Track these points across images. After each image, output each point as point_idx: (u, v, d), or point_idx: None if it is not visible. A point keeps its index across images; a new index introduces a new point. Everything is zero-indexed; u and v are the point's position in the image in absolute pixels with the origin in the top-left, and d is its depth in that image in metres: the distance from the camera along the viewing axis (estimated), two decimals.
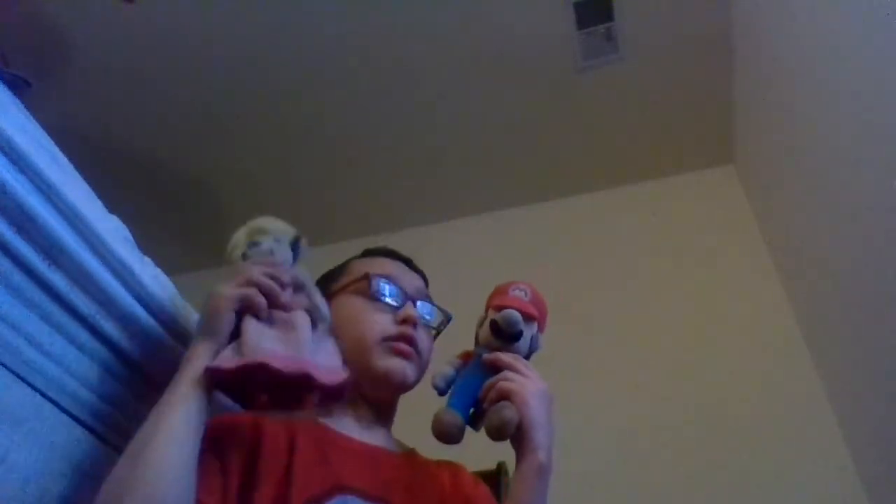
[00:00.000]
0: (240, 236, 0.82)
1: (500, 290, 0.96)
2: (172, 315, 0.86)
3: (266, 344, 0.72)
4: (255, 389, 0.73)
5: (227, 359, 0.70)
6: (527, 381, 0.86)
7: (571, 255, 2.42)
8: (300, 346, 0.73)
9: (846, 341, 1.72)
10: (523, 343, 0.91)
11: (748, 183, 2.37)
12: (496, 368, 0.89)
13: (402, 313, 0.95)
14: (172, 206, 2.59)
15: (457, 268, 2.12)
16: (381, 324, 0.94)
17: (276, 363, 0.69)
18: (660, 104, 2.32)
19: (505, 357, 0.89)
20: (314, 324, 0.79)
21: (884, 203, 1.36)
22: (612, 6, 2.08)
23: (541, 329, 0.95)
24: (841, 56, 1.48)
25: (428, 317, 1.00)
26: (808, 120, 1.74)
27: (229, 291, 0.75)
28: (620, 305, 2.25)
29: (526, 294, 0.95)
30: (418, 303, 0.99)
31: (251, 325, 0.73)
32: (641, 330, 2.17)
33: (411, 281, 1.02)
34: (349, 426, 0.90)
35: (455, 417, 0.86)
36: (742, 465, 1.84)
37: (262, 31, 2.13)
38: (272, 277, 0.77)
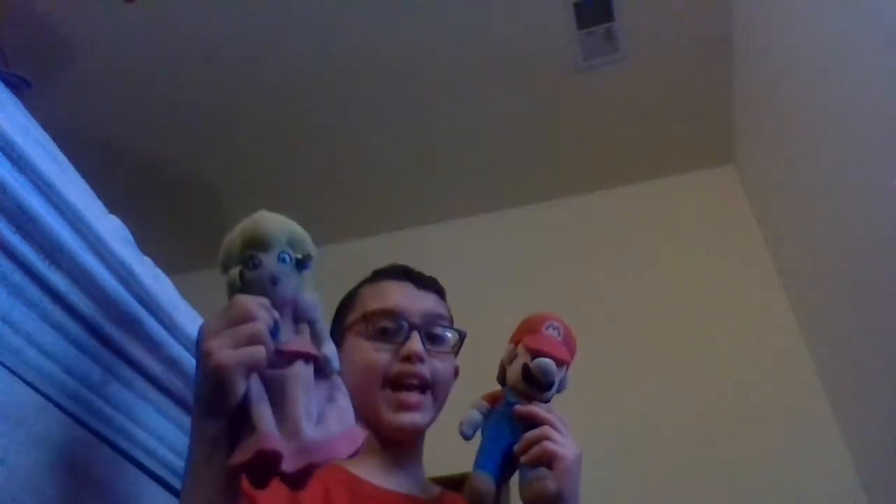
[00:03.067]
0: (234, 245, 0.65)
1: (533, 326, 0.89)
2: (172, 316, 0.86)
3: (271, 425, 0.58)
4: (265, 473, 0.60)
5: (245, 450, 0.58)
6: (568, 446, 0.81)
7: (571, 255, 2.42)
8: (300, 422, 0.59)
9: (846, 341, 1.71)
10: (553, 390, 0.87)
11: (748, 183, 2.37)
12: (529, 421, 0.84)
13: (403, 349, 0.91)
14: (172, 206, 2.59)
15: (457, 268, 2.11)
16: (381, 360, 0.91)
17: (285, 465, 0.57)
18: (660, 104, 2.32)
19: (543, 414, 0.84)
20: (321, 371, 0.65)
21: (884, 203, 1.36)
22: (612, 6, 2.08)
23: (568, 369, 0.90)
24: (841, 56, 1.48)
25: (439, 342, 0.96)
26: (808, 120, 1.74)
27: (234, 358, 0.59)
28: (620, 305, 2.25)
29: (559, 333, 0.89)
30: (422, 331, 0.94)
31: (260, 402, 0.60)
32: (641, 330, 2.17)
33: (419, 304, 0.97)
34: (375, 472, 0.88)
35: (488, 484, 0.82)
36: (742, 465, 1.84)
37: (262, 31, 2.13)
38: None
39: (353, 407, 0.92)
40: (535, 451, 0.81)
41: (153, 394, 0.87)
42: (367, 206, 2.62)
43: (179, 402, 0.91)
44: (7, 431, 0.64)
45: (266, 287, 0.63)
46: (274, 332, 0.62)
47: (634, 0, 2.07)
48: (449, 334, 0.98)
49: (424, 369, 0.91)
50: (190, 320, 0.90)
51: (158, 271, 0.88)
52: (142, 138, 2.41)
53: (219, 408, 0.61)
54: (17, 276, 0.68)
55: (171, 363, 0.87)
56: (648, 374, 2.06)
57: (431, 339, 0.96)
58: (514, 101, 2.32)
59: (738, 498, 1.81)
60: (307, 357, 0.64)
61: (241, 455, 0.58)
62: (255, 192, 2.59)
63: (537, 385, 0.85)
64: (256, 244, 0.64)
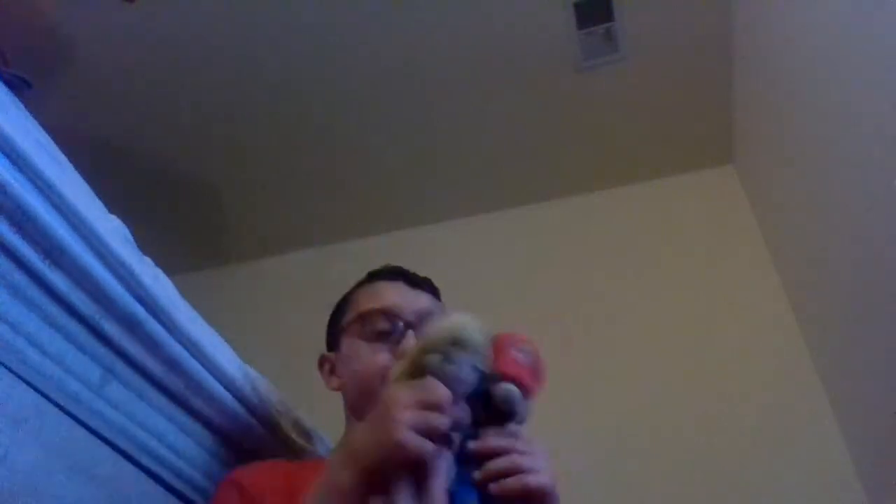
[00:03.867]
0: (444, 337, 0.70)
1: (499, 345, 0.76)
2: (172, 316, 0.86)
3: None
4: None
5: None
6: (544, 473, 0.72)
7: (571, 255, 2.42)
8: None
9: (846, 341, 1.71)
10: (518, 419, 0.75)
11: (748, 183, 2.37)
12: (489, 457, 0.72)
13: (400, 349, 0.92)
14: (172, 206, 2.59)
15: (457, 268, 2.11)
16: (379, 362, 0.92)
17: None
18: (660, 104, 2.32)
19: (503, 443, 0.72)
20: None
21: (884, 203, 1.36)
22: (612, 6, 2.08)
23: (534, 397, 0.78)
24: (841, 56, 1.48)
25: None
26: (808, 120, 1.74)
27: (420, 446, 0.63)
28: (620, 305, 2.25)
29: (528, 356, 0.76)
30: (420, 329, 0.94)
31: (405, 493, 0.63)
32: (641, 330, 2.17)
33: (413, 303, 0.98)
34: None
35: None
36: (741, 465, 1.84)
37: (262, 31, 2.13)
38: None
39: (356, 408, 0.92)
40: (509, 485, 0.70)
41: (153, 394, 0.87)
42: (367, 206, 2.62)
43: (179, 402, 0.91)
44: (7, 431, 0.65)
45: (451, 384, 0.67)
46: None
47: (634, 0, 2.07)
48: None
49: None
50: (190, 320, 0.90)
51: (158, 271, 0.88)
52: (142, 138, 2.40)
53: (373, 473, 0.64)
54: (17, 276, 0.68)
55: (171, 363, 0.87)
56: (648, 373, 2.06)
57: None
58: (514, 101, 2.32)
59: (737, 498, 1.81)
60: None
61: None
62: (255, 192, 2.59)
63: (497, 415, 0.73)
64: (461, 343, 0.69)
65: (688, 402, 1.99)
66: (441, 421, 0.64)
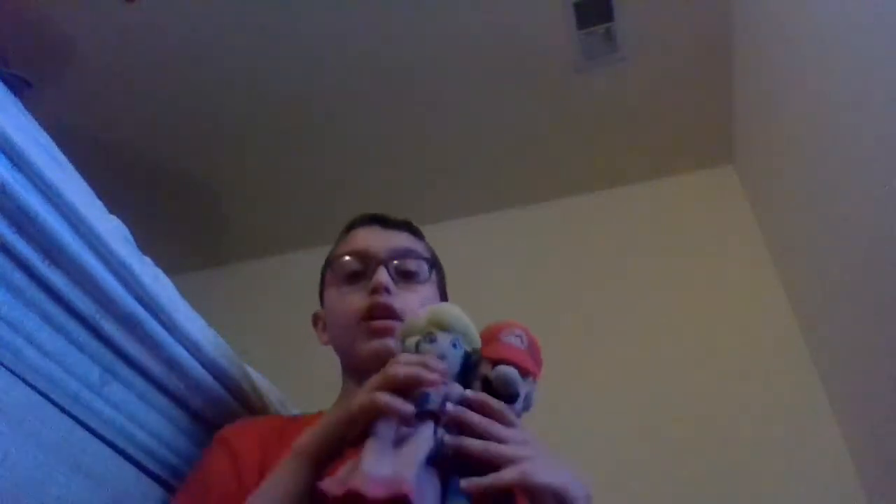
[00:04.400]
0: (421, 321, 0.74)
1: (490, 333, 0.76)
2: (172, 316, 0.86)
3: (378, 467, 0.62)
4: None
5: (338, 482, 0.63)
6: (525, 447, 0.66)
7: (571, 255, 2.42)
8: (409, 463, 0.62)
9: (846, 341, 1.71)
10: (517, 405, 0.72)
11: (748, 183, 2.37)
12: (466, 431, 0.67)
13: (370, 284, 0.90)
14: (172, 206, 2.59)
15: (456, 268, 2.11)
16: (354, 303, 0.90)
17: (371, 489, 0.60)
18: (660, 104, 2.32)
19: (474, 417, 0.67)
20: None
21: (884, 203, 1.36)
22: (612, 6, 2.08)
23: (536, 380, 0.77)
24: (841, 56, 1.48)
25: (410, 276, 0.94)
26: (808, 120, 1.74)
27: (372, 401, 0.65)
28: (620, 306, 2.25)
29: (522, 341, 0.76)
30: (393, 262, 0.93)
31: (374, 444, 0.64)
32: (640, 330, 2.17)
33: (387, 242, 0.96)
34: None
35: None
36: (741, 466, 1.84)
37: (262, 31, 2.13)
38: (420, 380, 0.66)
39: (343, 358, 0.94)
40: (469, 447, 0.64)
41: (153, 394, 0.87)
42: (366, 207, 2.60)
43: (179, 402, 0.91)
44: (7, 431, 0.65)
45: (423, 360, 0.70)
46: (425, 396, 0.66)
47: (634, 0, 2.08)
48: (423, 267, 0.96)
49: (393, 300, 0.89)
50: (190, 320, 0.90)
51: (158, 271, 0.88)
52: (142, 138, 2.41)
53: (334, 434, 0.68)
54: (17, 276, 0.68)
55: (171, 363, 0.87)
56: (647, 373, 2.06)
57: (403, 274, 0.94)
58: (514, 101, 2.32)
59: (737, 498, 1.81)
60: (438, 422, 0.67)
61: (334, 486, 0.62)
62: (254, 192, 2.59)
63: (495, 397, 0.71)
64: (438, 324, 0.73)
65: (686, 401, 1.98)
66: (406, 371, 0.66)
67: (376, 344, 0.87)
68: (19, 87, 1.83)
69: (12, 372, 0.67)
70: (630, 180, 2.51)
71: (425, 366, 0.67)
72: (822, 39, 1.57)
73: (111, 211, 0.83)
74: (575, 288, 2.33)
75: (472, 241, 2.54)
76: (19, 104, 0.73)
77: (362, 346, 0.88)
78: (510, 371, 0.71)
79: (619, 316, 2.23)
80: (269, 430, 0.88)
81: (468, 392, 0.69)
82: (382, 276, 0.90)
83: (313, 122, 2.37)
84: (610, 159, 2.48)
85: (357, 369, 0.90)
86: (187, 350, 0.89)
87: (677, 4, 2.07)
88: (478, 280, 2.28)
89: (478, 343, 0.74)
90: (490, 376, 0.72)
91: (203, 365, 0.91)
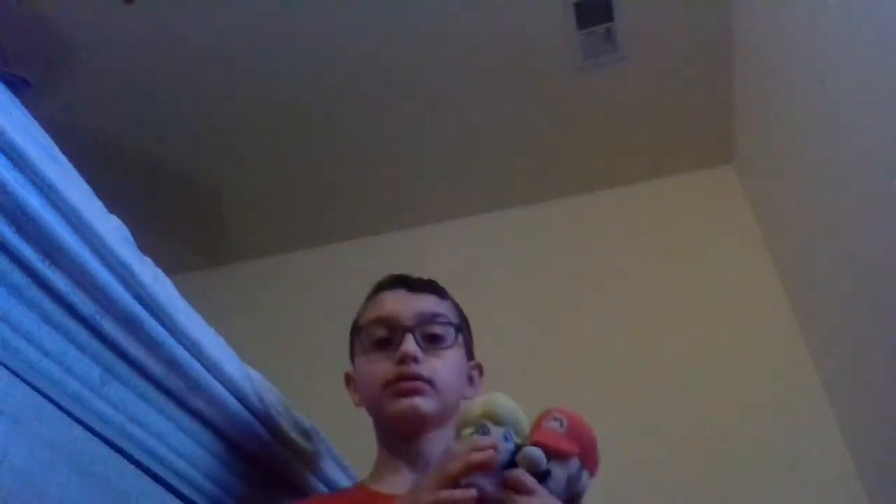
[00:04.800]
0: (475, 412, 0.77)
1: (536, 422, 0.80)
2: (172, 316, 0.86)
3: None
4: None
5: None
6: None
7: (571, 255, 2.42)
8: None
9: (846, 341, 1.72)
10: (554, 484, 0.74)
11: (748, 183, 2.37)
12: None
13: (397, 354, 0.92)
14: (172, 206, 2.59)
15: (457, 268, 2.11)
16: (382, 373, 0.92)
17: None
18: (660, 104, 2.32)
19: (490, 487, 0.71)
20: None
21: (884, 203, 1.36)
22: (612, 6, 2.08)
23: (587, 465, 0.80)
24: (841, 56, 1.48)
25: (438, 341, 0.96)
26: (808, 120, 1.74)
27: (437, 501, 0.68)
28: (619, 306, 2.25)
29: (561, 424, 0.79)
30: (416, 332, 0.94)
31: None
32: (640, 330, 2.17)
33: (412, 307, 0.97)
34: (399, 484, 0.88)
35: None
36: (740, 466, 1.84)
37: (261, 31, 2.13)
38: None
39: (375, 423, 0.96)
40: None
41: (153, 394, 0.87)
42: (366, 207, 2.62)
43: (179, 402, 0.91)
44: (7, 431, 0.64)
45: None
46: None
47: (634, 0, 2.07)
48: (449, 331, 0.97)
49: (421, 369, 0.91)
50: (190, 320, 0.90)
51: (158, 271, 0.88)
52: (142, 138, 2.41)
53: None
54: (17, 276, 0.68)
55: (171, 363, 0.87)
56: (647, 373, 2.06)
57: (430, 339, 0.96)
58: (514, 100, 2.32)
59: (737, 498, 1.81)
60: None
61: None
62: (254, 192, 2.59)
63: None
64: (491, 417, 0.76)
65: (686, 401, 1.98)
66: (460, 468, 0.68)
67: (404, 404, 0.90)
68: (19, 87, 1.83)
69: (12, 372, 0.67)
70: (630, 180, 2.51)
71: (475, 448, 0.70)
72: (822, 39, 1.57)
73: (111, 211, 0.83)
74: (575, 288, 2.33)
75: (472, 241, 2.54)
76: (19, 104, 0.73)
77: (390, 407, 0.91)
78: (531, 452, 0.73)
79: (618, 316, 2.23)
80: None
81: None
82: (410, 345, 0.92)
83: (313, 122, 2.37)
84: (610, 159, 2.48)
85: (387, 430, 0.94)
86: (187, 350, 0.88)
87: (677, 4, 2.07)
88: (478, 280, 2.28)
89: (527, 433, 0.77)
90: (517, 460, 0.74)
91: (203, 365, 0.91)
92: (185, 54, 2.18)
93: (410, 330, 0.94)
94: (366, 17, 2.10)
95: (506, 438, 0.73)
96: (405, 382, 0.90)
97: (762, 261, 2.21)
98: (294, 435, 1.11)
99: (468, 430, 0.75)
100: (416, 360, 0.91)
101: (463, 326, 1.03)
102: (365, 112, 2.35)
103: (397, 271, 1.07)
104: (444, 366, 0.94)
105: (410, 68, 2.24)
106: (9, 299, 0.67)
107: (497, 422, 0.75)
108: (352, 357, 1.05)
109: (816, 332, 1.94)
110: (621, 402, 2.02)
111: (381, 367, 0.93)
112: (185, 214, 2.63)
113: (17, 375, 0.68)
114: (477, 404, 0.78)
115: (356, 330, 1.01)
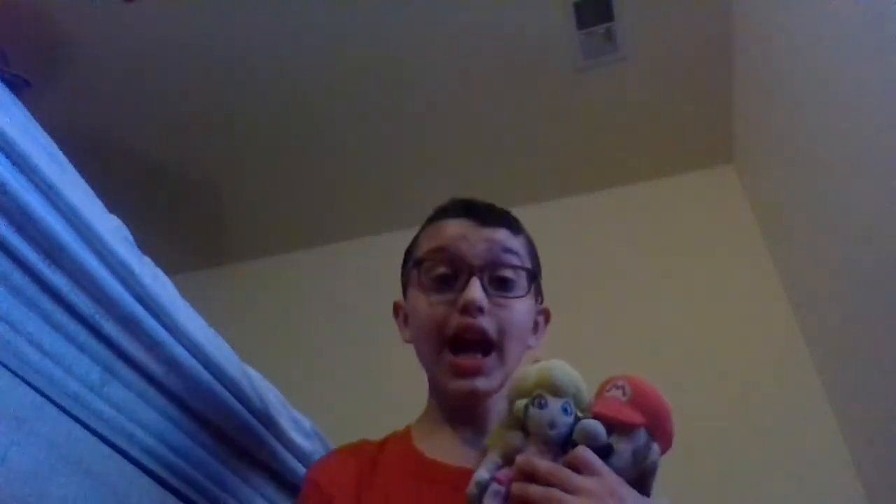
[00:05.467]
0: (529, 381, 0.70)
1: (599, 390, 0.73)
2: (172, 316, 0.86)
3: None
4: None
5: None
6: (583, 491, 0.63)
7: (571, 255, 2.42)
8: None
9: (846, 341, 1.72)
10: (619, 460, 0.67)
11: (748, 183, 2.37)
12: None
13: (460, 300, 0.80)
14: (172, 206, 2.59)
15: None
16: (441, 321, 0.81)
17: None
18: (660, 104, 2.32)
19: (536, 466, 0.65)
20: None
21: (884, 203, 1.36)
22: (612, 6, 2.08)
23: (657, 435, 0.70)
24: (841, 56, 1.48)
25: (507, 286, 0.84)
26: (808, 120, 1.74)
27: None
28: (619, 306, 2.25)
29: (624, 392, 0.71)
30: (484, 275, 0.82)
31: None
32: (640, 330, 2.17)
33: (480, 244, 0.84)
34: (444, 447, 0.82)
35: None
36: (741, 466, 1.84)
37: (262, 31, 2.13)
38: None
39: (426, 369, 0.88)
40: None
41: (153, 394, 0.87)
42: (367, 206, 2.62)
43: (179, 402, 0.91)
44: (7, 431, 0.65)
45: (544, 428, 0.67)
46: None
47: (634, 0, 2.07)
48: (521, 277, 0.85)
49: (486, 322, 0.80)
50: (190, 320, 0.90)
51: (158, 271, 0.88)
52: (142, 138, 2.41)
53: None
54: (17, 276, 0.68)
55: (171, 363, 0.87)
56: (647, 373, 2.05)
57: (498, 282, 0.84)
58: (514, 100, 2.32)
59: (736, 498, 1.81)
60: None
61: None
62: (254, 192, 2.59)
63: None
64: (548, 387, 0.69)
65: (686, 401, 1.98)
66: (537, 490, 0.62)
67: (463, 385, 0.80)
68: (19, 87, 1.83)
69: (12, 372, 0.67)
70: (630, 180, 2.51)
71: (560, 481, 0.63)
72: (822, 39, 1.57)
73: (111, 211, 0.83)
74: (574, 288, 2.32)
75: None
76: (19, 104, 0.73)
77: (448, 383, 0.82)
78: (588, 425, 0.67)
79: (618, 315, 2.22)
80: (361, 464, 0.83)
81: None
82: (476, 292, 0.79)
83: (313, 122, 2.37)
84: (610, 159, 2.48)
85: (439, 392, 0.86)
86: (187, 350, 0.89)
87: (677, 4, 2.07)
88: None
89: (586, 404, 0.70)
90: (575, 434, 0.68)
91: (203, 365, 0.91)
92: (185, 54, 2.18)
93: (477, 272, 0.82)
94: (365, 18, 2.10)
95: (565, 411, 0.67)
96: (463, 359, 0.80)
97: (762, 261, 2.21)
98: (293, 434, 1.11)
99: (522, 402, 0.68)
100: (481, 310, 0.80)
101: (536, 270, 0.93)
102: (365, 112, 2.35)
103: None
104: (513, 320, 0.83)
105: (410, 68, 2.24)
106: (9, 299, 0.67)
107: (554, 392, 0.68)
108: (403, 285, 0.95)
109: (816, 332, 1.94)
110: None
111: (440, 311, 0.82)
112: (185, 214, 2.63)
113: (18, 375, 0.68)
114: (531, 372, 0.70)
115: (413, 260, 0.89)
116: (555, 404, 0.68)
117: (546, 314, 0.97)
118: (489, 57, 2.20)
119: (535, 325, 0.93)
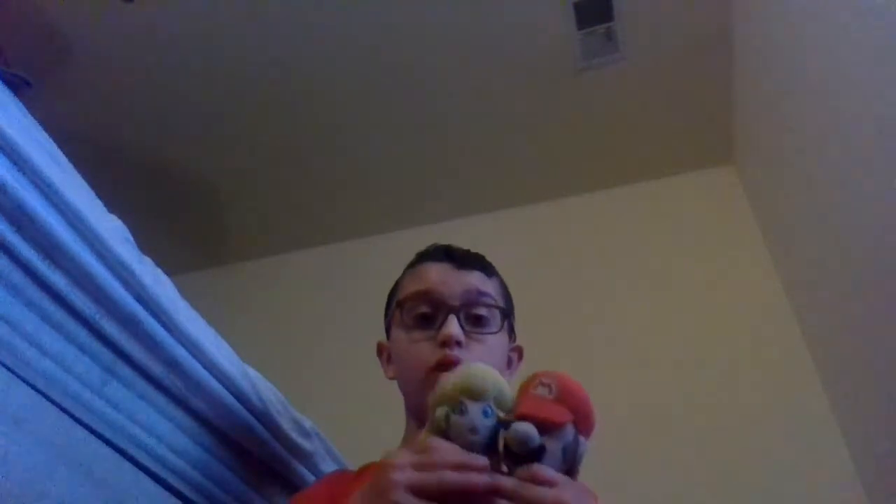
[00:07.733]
0: (448, 387, 0.69)
1: (522, 388, 0.72)
2: (172, 316, 0.86)
3: None
4: None
5: None
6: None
7: (571, 255, 2.42)
8: None
9: (847, 341, 1.71)
10: (550, 459, 0.66)
11: (748, 183, 2.37)
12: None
13: (439, 335, 0.86)
14: (172, 206, 2.59)
15: None
16: (422, 356, 0.87)
17: None
18: (660, 104, 2.32)
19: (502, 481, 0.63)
20: None
21: (884, 203, 1.36)
22: (612, 6, 2.08)
23: (582, 430, 0.70)
24: (841, 55, 1.48)
25: (482, 323, 0.90)
26: (808, 120, 1.74)
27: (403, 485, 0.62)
28: (620, 306, 2.25)
29: (550, 391, 0.69)
30: (461, 313, 0.89)
31: None
32: (640, 330, 2.17)
33: (457, 284, 0.91)
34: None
35: None
36: (740, 466, 1.84)
37: (262, 31, 2.13)
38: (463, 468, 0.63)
39: (407, 404, 0.91)
40: None
41: (153, 394, 0.87)
42: (367, 206, 2.62)
43: (179, 402, 0.91)
44: (7, 431, 0.64)
45: (465, 434, 0.67)
46: None
47: (634, 0, 2.08)
48: (495, 315, 0.91)
49: (463, 355, 0.85)
50: (190, 320, 0.90)
51: (158, 271, 0.88)
52: (142, 138, 2.41)
53: None
54: (17, 276, 0.68)
55: (171, 363, 0.87)
56: (647, 374, 2.06)
57: (474, 320, 0.91)
58: (514, 100, 2.32)
59: (737, 498, 1.81)
60: None
61: None
62: (254, 192, 2.59)
63: (518, 459, 0.65)
64: (468, 391, 0.68)
65: (686, 401, 1.98)
66: (437, 478, 0.61)
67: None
68: (19, 87, 1.83)
69: (12, 372, 0.67)
70: (630, 180, 2.51)
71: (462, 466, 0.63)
72: (822, 39, 1.57)
73: (111, 211, 0.83)
74: (574, 288, 2.33)
75: (471, 241, 2.53)
76: (19, 104, 0.73)
77: (436, 383, 0.84)
78: (520, 429, 0.65)
79: (618, 316, 2.23)
80: (340, 485, 0.86)
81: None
82: (453, 328, 0.86)
83: (313, 123, 2.37)
84: (610, 159, 2.49)
85: (420, 410, 0.88)
86: (187, 350, 0.88)
87: (677, 4, 2.07)
88: None
89: (510, 405, 0.69)
90: (506, 437, 0.66)
91: (203, 365, 0.91)
92: (185, 54, 2.18)
93: (455, 311, 0.88)
94: (366, 18, 2.10)
95: (485, 414, 0.67)
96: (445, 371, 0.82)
97: (762, 261, 2.21)
98: (293, 434, 1.11)
99: (442, 410, 0.68)
100: (458, 343, 0.86)
101: (509, 309, 0.98)
102: (365, 112, 2.35)
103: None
104: (487, 353, 0.88)
105: (410, 68, 2.24)
106: (8, 299, 0.67)
107: (475, 396, 0.68)
108: (387, 327, 1.00)
109: (816, 332, 1.94)
110: (620, 402, 2.02)
111: (422, 348, 0.88)
112: (185, 214, 2.63)
113: (17, 375, 0.68)
114: (451, 378, 0.70)
115: (396, 302, 0.95)
116: (475, 409, 0.67)
117: (519, 351, 1.01)
118: (489, 57, 2.20)
119: (509, 360, 0.98)
